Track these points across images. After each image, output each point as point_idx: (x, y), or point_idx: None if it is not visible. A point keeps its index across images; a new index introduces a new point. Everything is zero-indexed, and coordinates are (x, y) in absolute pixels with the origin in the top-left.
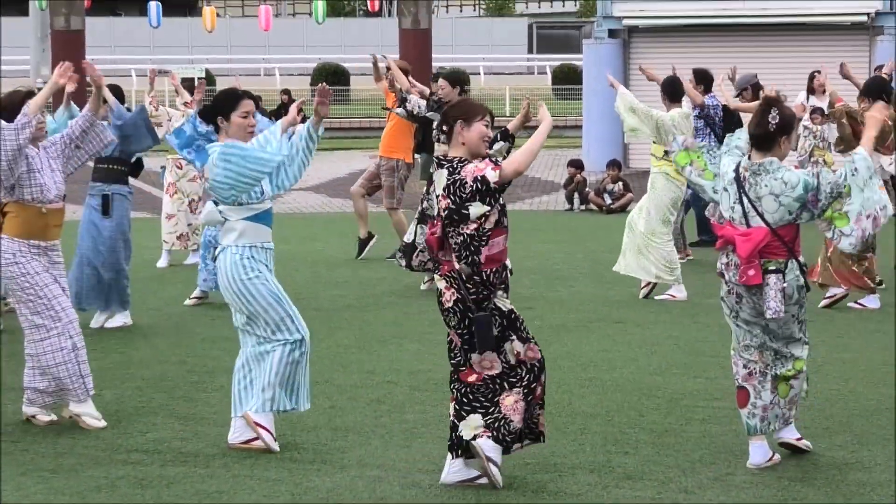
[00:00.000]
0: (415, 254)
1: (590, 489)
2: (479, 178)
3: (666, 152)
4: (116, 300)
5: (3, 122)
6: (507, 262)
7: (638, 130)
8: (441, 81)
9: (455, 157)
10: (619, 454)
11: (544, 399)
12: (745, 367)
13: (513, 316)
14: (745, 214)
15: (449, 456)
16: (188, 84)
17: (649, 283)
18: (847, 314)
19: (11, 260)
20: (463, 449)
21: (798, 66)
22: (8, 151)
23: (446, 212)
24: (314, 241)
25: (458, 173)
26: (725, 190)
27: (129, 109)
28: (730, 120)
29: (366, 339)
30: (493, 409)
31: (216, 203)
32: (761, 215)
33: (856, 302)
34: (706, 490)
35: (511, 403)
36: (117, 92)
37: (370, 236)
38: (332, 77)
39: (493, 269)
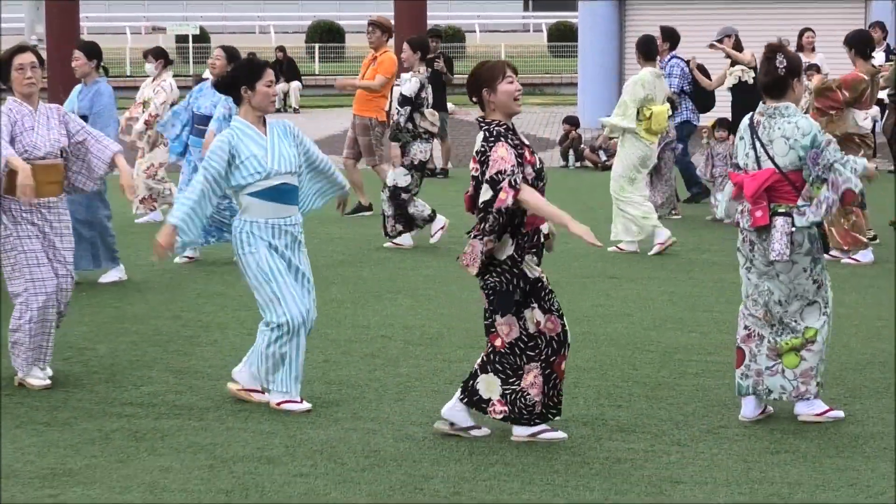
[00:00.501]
0: (384, 220)
1: (583, 441)
2: (498, 209)
3: (637, 111)
4: (106, 256)
5: None
6: (544, 228)
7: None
8: (404, 45)
9: (493, 121)
10: (612, 407)
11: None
12: (745, 328)
13: (539, 284)
14: (757, 159)
15: (458, 393)
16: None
17: (661, 243)
18: (841, 270)
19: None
20: (471, 399)
21: (793, 28)
22: None
23: (473, 178)
24: None
25: (489, 150)
26: (741, 139)
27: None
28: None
29: (360, 295)
30: (514, 379)
31: None
32: (772, 158)
33: (849, 257)
34: (699, 442)
35: (531, 379)
36: (94, 50)
37: (369, 207)
38: (326, 34)
39: (524, 233)
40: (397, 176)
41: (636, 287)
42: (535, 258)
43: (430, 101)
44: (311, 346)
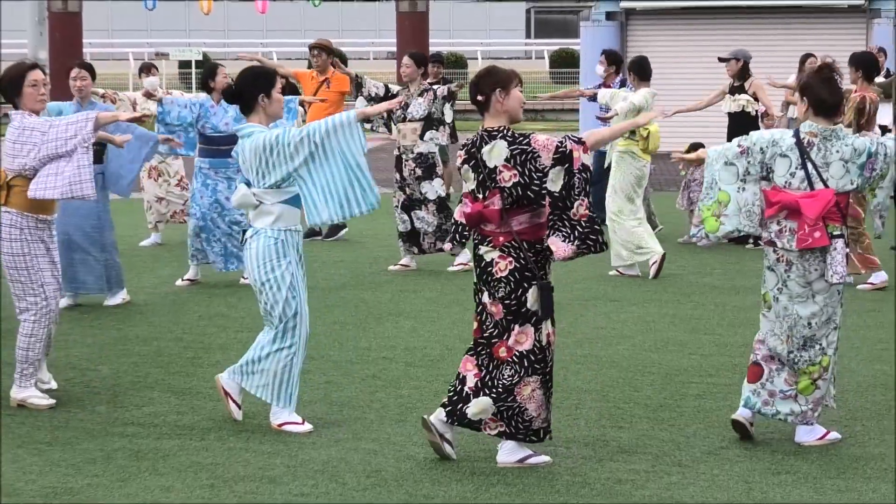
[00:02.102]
0: (421, 238)
1: (584, 462)
2: (581, 167)
3: (632, 131)
4: (115, 279)
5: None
6: (556, 257)
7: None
8: (405, 59)
9: (502, 126)
10: (613, 429)
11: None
12: (769, 348)
13: (553, 294)
14: (807, 178)
15: (440, 414)
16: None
17: (656, 262)
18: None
19: (18, 236)
20: (461, 422)
21: (795, 49)
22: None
23: (513, 185)
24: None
25: (528, 146)
26: (784, 156)
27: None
28: None
29: (361, 317)
30: (506, 396)
31: (248, 185)
32: (825, 181)
33: (866, 282)
34: (700, 463)
35: (528, 393)
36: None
37: (343, 225)
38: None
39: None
40: (437, 187)
41: (637, 310)
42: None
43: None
44: (313, 368)
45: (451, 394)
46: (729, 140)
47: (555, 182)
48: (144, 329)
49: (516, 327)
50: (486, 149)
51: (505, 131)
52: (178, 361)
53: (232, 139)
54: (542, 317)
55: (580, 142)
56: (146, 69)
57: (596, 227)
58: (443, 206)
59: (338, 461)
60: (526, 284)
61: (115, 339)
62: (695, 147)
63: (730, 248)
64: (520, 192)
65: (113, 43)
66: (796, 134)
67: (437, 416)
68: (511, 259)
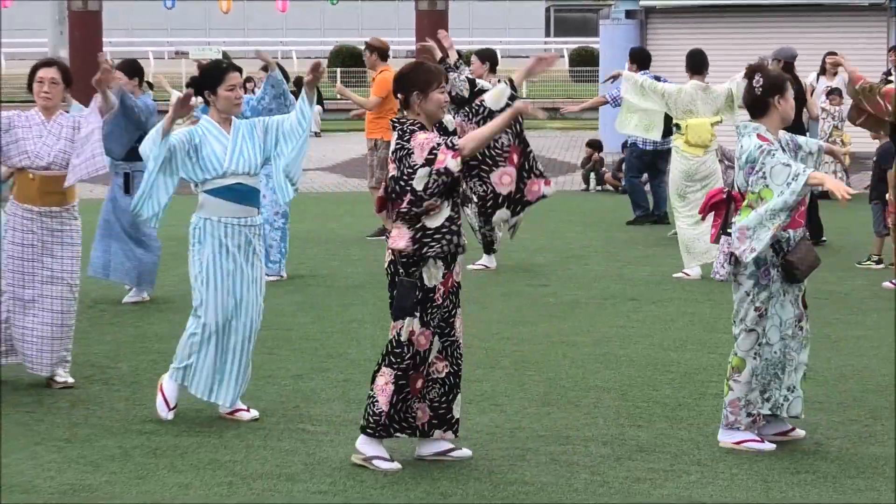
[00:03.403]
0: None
1: (602, 461)
2: (441, 170)
3: (677, 125)
4: (146, 278)
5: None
6: (389, 243)
7: (651, 114)
8: (472, 57)
9: (408, 120)
10: (632, 427)
11: (432, 396)
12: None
13: (430, 295)
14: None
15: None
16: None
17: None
18: (862, 293)
19: (4, 223)
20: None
21: (816, 47)
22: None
23: (391, 178)
24: (329, 220)
25: (407, 140)
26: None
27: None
28: None
29: (379, 316)
30: (371, 385)
31: None
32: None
33: (890, 281)
34: (719, 462)
35: (381, 384)
36: (136, 68)
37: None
38: (349, 59)
39: (428, 230)
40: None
41: (656, 308)
42: (441, 266)
43: None
44: (331, 366)
45: None
46: None
47: (419, 181)
48: (163, 327)
49: (391, 320)
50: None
51: (403, 124)
52: None
53: None
54: (394, 314)
55: (453, 147)
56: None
57: (448, 230)
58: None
59: None
60: (397, 279)
61: (134, 337)
62: (749, 69)
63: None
64: (394, 185)
65: (133, 42)
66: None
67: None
68: (389, 251)
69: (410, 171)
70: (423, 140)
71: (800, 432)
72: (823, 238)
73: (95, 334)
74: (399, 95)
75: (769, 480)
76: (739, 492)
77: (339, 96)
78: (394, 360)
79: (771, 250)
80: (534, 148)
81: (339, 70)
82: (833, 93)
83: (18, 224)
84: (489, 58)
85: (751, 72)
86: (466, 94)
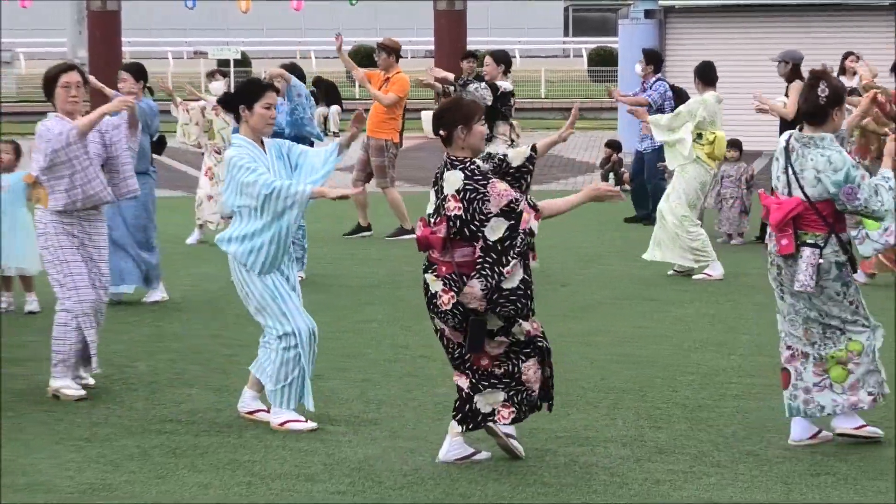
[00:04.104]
0: None
1: (622, 462)
2: (528, 230)
3: (700, 134)
4: (155, 277)
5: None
6: (461, 299)
7: (681, 139)
8: (486, 59)
9: (467, 158)
10: (651, 429)
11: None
12: (787, 347)
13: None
14: (788, 184)
15: (455, 428)
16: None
17: (710, 276)
18: (877, 292)
19: (42, 230)
20: (475, 422)
21: (836, 47)
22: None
23: (454, 217)
24: (346, 220)
25: (482, 185)
26: (776, 160)
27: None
28: (680, 101)
29: (398, 315)
30: (513, 383)
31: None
32: (802, 188)
33: None
34: (738, 464)
35: (532, 375)
36: (141, 71)
37: (368, 227)
38: (367, 60)
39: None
40: None
41: (676, 309)
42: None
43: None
44: (350, 366)
45: (456, 404)
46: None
47: (494, 231)
48: (182, 326)
49: (487, 347)
50: (446, 175)
51: (467, 163)
52: (216, 359)
53: (299, 142)
54: (469, 351)
55: (535, 208)
56: (212, 74)
57: (524, 293)
58: None
59: (375, 459)
60: (471, 317)
61: (153, 336)
62: (733, 144)
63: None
64: (458, 226)
65: (152, 42)
66: (788, 138)
67: (445, 453)
68: (453, 293)
69: (483, 217)
70: (503, 190)
71: (828, 434)
72: None
73: (113, 334)
74: (442, 132)
75: (789, 482)
76: (759, 494)
77: (358, 90)
78: (528, 351)
79: (841, 250)
80: (552, 150)
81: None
82: (853, 93)
83: (60, 230)
84: (503, 59)
85: (815, 79)
86: (490, 100)
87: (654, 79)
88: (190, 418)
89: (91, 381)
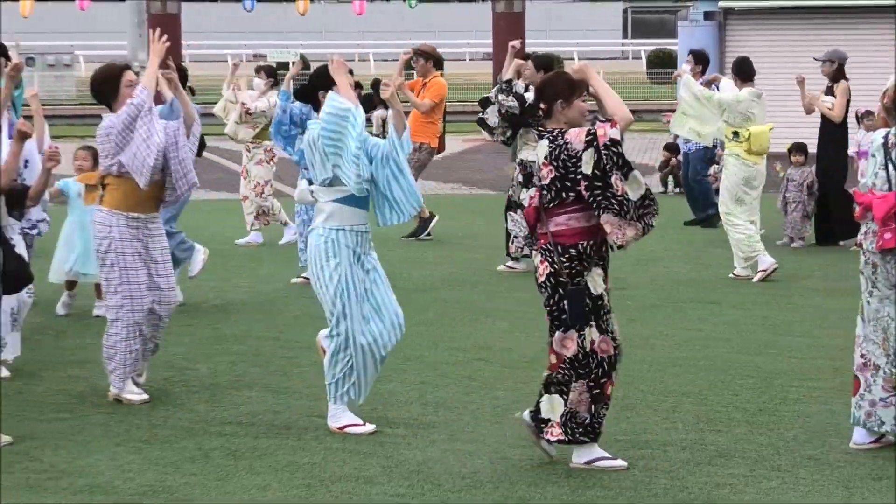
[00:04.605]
0: (510, 241)
1: (681, 466)
2: (607, 142)
3: (735, 133)
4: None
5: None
6: (612, 240)
7: (704, 121)
8: (528, 63)
9: (555, 128)
10: (711, 432)
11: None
12: (861, 356)
13: (599, 302)
14: (888, 180)
15: (528, 411)
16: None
17: (765, 269)
18: None
19: (107, 233)
20: (535, 417)
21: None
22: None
23: (550, 181)
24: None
25: (560, 139)
26: (873, 156)
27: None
28: None
29: (456, 317)
30: (565, 403)
31: (310, 182)
32: None
33: None
34: (799, 468)
35: (575, 397)
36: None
37: (431, 216)
38: None
39: (591, 242)
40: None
41: (735, 312)
42: (602, 272)
43: None
44: (408, 368)
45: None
46: (819, 143)
47: (587, 164)
48: (242, 328)
49: (558, 333)
50: (538, 148)
51: (552, 131)
52: (276, 360)
53: None
54: (571, 324)
55: (607, 119)
56: (258, 70)
57: (648, 202)
58: None
59: (433, 462)
60: (561, 290)
61: (212, 339)
62: (799, 148)
63: (829, 248)
64: (557, 187)
65: (211, 45)
66: (886, 135)
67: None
68: (546, 263)
69: (575, 160)
70: (576, 130)
71: (890, 438)
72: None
73: (173, 336)
74: (542, 105)
75: (850, 486)
76: (820, 498)
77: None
78: (582, 371)
79: None
80: None
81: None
82: None
83: (125, 233)
84: (544, 65)
85: None
86: (517, 110)
87: (701, 80)
88: (249, 420)
89: (141, 380)
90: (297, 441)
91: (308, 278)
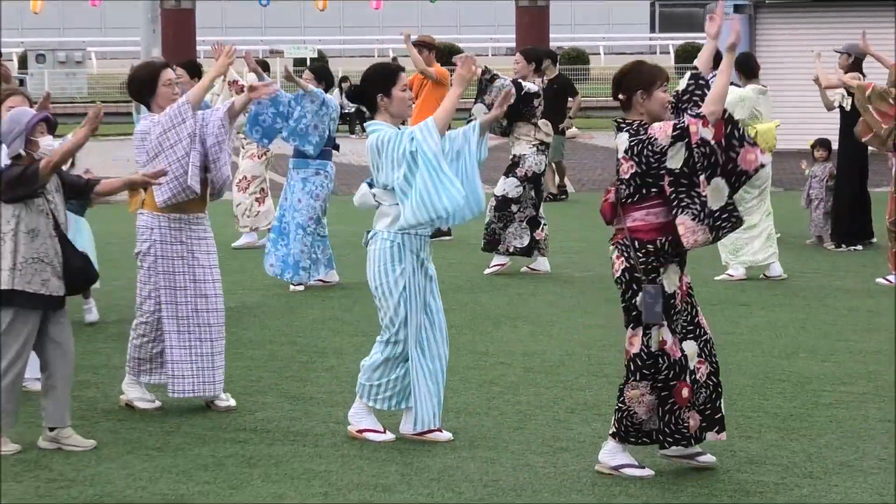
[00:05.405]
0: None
1: (710, 473)
2: (699, 141)
3: None
4: None
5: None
6: (683, 241)
7: None
8: (517, 56)
9: (635, 121)
10: (741, 438)
11: (695, 401)
12: None
13: (671, 301)
14: None
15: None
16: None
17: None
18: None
19: (148, 236)
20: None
21: None
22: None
23: (630, 176)
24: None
25: (643, 133)
26: None
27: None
28: None
29: (478, 321)
30: (619, 395)
31: (370, 185)
32: None
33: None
34: (832, 475)
35: (636, 396)
36: (195, 68)
37: (448, 232)
38: (448, 57)
39: (669, 238)
40: (508, 186)
41: (766, 314)
42: (678, 269)
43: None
44: None
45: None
46: (840, 136)
47: (674, 159)
48: (257, 332)
49: (629, 329)
50: (616, 140)
51: (632, 123)
52: (292, 366)
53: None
54: (645, 321)
55: (698, 115)
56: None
57: (727, 214)
58: (502, 207)
59: (453, 469)
60: (636, 286)
61: (228, 343)
62: (822, 143)
63: (864, 249)
64: (637, 182)
65: (226, 41)
66: None
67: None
68: (623, 259)
69: (659, 155)
70: (662, 124)
71: None
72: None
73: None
74: (621, 96)
75: (885, 494)
76: None
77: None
78: (646, 372)
79: None
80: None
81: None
82: None
83: (167, 236)
84: (535, 58)
85: None
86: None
87: (711, 75)
88: (265, 427)
89: (232, 403)
90: (313, 448)
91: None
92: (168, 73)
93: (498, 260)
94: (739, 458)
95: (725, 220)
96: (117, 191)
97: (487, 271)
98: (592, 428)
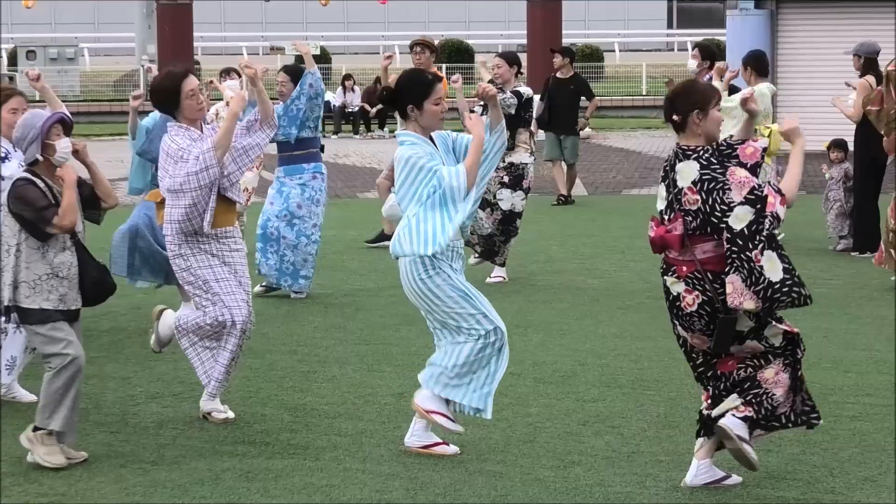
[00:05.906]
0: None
1: (729, 488)
2: (774, 214)
3: (755, 131)
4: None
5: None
6: (728, 301)
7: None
8: (497, 60)
9: (699, 147)
10: (761, 452)
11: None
12: None
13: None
14: None
15: (697, 443)
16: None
17: None
18: (879, 292)
19: (177, 251)
20: (707, 428)
21: None
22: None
23: (696, 209)
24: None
25: (721, 173)
26: None
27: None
28: None
29: None
30: (750, 386)
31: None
32: None
33: None
34: (855, 491)
35: (771, 376)
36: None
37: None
38: (455, 55)
39: None
40: (516, 200)
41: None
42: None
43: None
44: None
45: (698, 427)
46: (855, 139)
47: (739, 220)
48: (256, 341)
49: (733, 348)
50: (679, 167)
51: (701, 152)
52: (292, 376)
53: (306, 144)
54: (715, 350)
55: (780, 192)
56: (227, 72)
57: (786, 288)
58: (508, 221)
59: (460, 484)
60: (720, 315)
61: None
62: (837, 144)
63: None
64: (701, 219)
65: (225, 37)
66: None
67: (693, 476)
68: (697, 293)
69: (725, 208)
70: (744, 178)
71: None
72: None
73: (182, 350)
74: (675, 117)
75: None
76: None
77: None
78: (779, 351)
79: None
80: (652, 150)
81: (444, 66)
82: None
83: (195, 249)
84: (516, 61)
85: None
86: (514, 109)
87: (708, 76)
88: (263, 439)
89: (231, 415)
90: (314, 462)
91: (270, 288)
92: (191, 83)
93: (499, 272)
94: (759, 472)
95: (785, 294)
96: (101, 183)
97: (489, 280)
98: (605, 441)
